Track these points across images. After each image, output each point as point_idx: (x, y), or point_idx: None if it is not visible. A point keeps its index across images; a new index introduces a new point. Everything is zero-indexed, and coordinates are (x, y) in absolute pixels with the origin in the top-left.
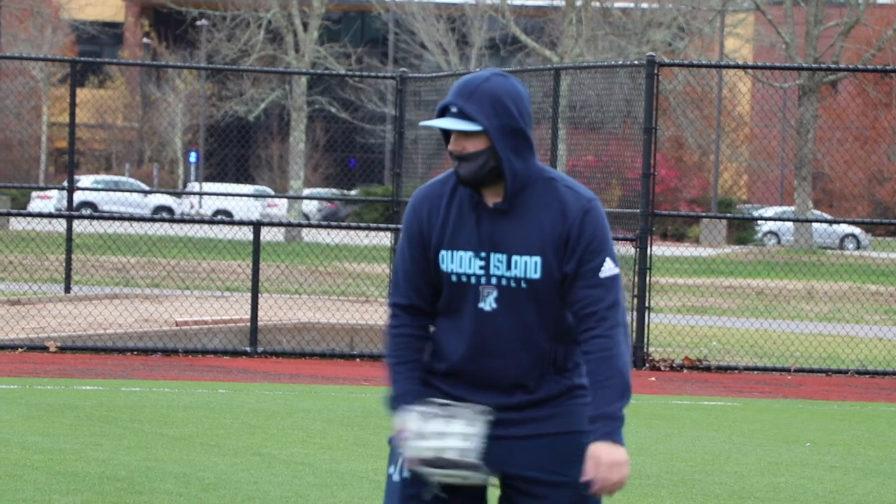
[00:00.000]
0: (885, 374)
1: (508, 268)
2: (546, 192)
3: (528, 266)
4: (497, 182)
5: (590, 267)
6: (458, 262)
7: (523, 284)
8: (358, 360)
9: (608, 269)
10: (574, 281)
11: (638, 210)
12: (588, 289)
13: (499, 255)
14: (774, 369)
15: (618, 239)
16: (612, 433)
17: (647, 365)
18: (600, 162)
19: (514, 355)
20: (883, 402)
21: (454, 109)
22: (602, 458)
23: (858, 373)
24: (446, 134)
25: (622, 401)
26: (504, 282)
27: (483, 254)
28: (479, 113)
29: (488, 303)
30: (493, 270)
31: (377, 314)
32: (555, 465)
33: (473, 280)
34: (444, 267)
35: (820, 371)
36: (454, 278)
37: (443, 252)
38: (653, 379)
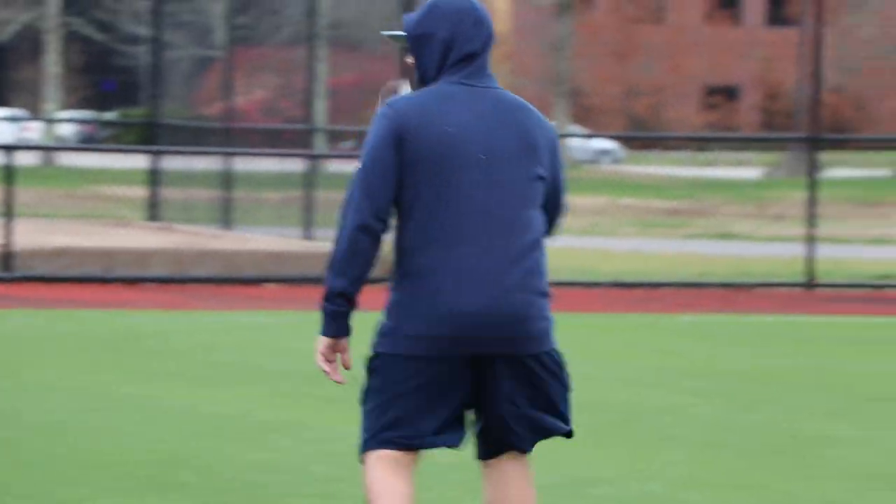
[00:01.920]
0: (638, 285)
1: None
2: None
3: None
4: None
5: None
6: None
7: None
8: (115, 283)
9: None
10: None
11: None
12: None
13: None
14: None
15: None
16: None
17: None
18: (361, 80)
19: None
20: (636, 313)
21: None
22: None
23: (614, 285)
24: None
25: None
26: None
27: None
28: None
29: None
30: None
31: (135, 237)
32: None
33: None
34: None
35: (576, 284)
36: None
37: None
38: None
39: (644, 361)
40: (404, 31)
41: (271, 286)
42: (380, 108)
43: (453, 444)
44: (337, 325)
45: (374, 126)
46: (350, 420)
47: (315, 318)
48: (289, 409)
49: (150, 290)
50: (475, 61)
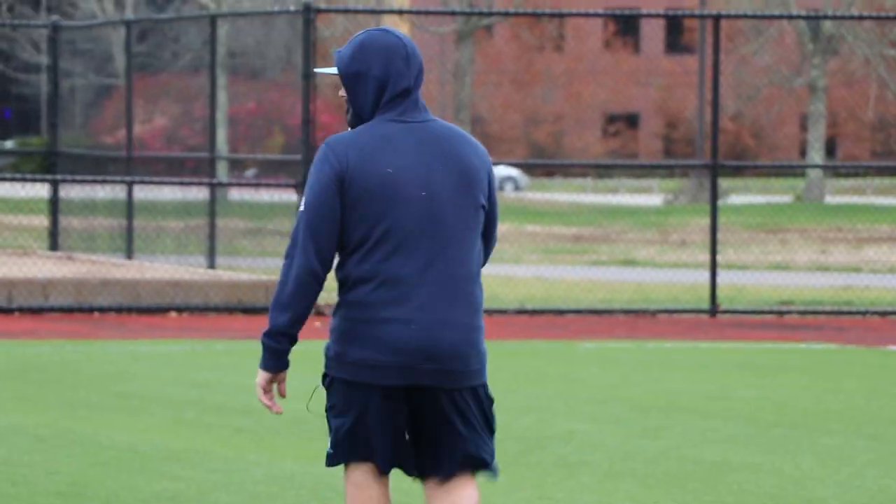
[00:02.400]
0: (542, 312)
1: None
2: None
3: None
4: None
5: None
6: None
7: None
8: (15, 313)
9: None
10: None
11: (299, 156)
12: None
13: None
14: None
15: (280, 186)
16: None
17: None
18: (262, 109)
19: None
20: (541, 340)
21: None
22: None
23: (518, 312)
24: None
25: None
26: None
27: None
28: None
29: None
30: None
31: (36, 266)
32: None
33: None
34: None
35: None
36: None
37: None
38: (318, 324)
39: (548, 388)
40: (337, 67)
41: (174, 315)
42: (320, 149)
43: (409, 470)
44: (277, 361)
45: (315, 168)
46: (257, 449)
47: (216, 347)
48: (193, 439)
49: (52, 319)
50: (409, 97)
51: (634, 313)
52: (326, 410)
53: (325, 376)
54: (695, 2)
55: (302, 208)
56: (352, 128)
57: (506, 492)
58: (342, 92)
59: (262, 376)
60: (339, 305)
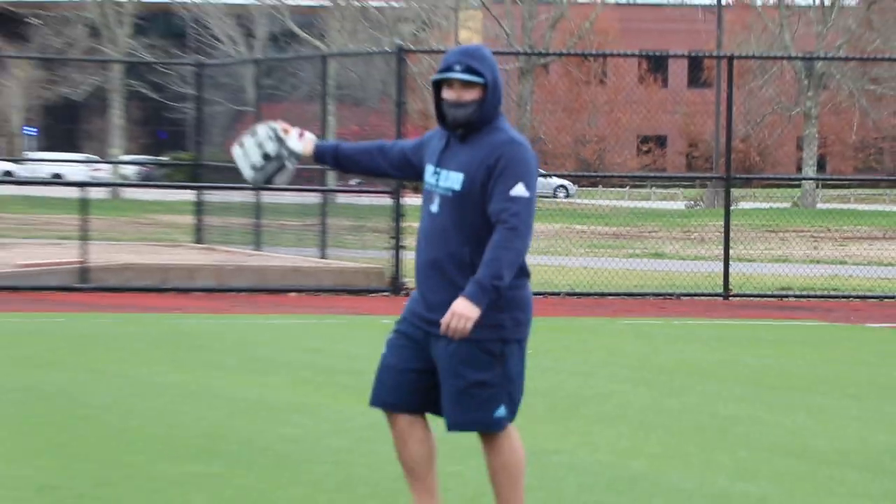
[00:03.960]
0: (589, 294)
1: (445, 180)
2: (490, 134)
3: (454, 180)
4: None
5: (503, 188)
6: (426, 172)
7: (450, 193)
8: (169, 293)
9: (519, 191)
10: (492, 197)
11: None
12: (500, 202)
13: (443, 171)
14: None
15: (377, 192)
16: (473, 295)
17: (403, 292)
18: (363, 131)
19: (441, 250)
20: (587, 317)
21: (459, 67)
22: (455, 308)
23: (568, 294)
24: (438, 87)
25: (494, 279)
26: (441, 190)
27: (437, 168)
28: (486, 70)
29: (436, 204)
30: (439, 182)
31: (185, 255)
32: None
33: (429, 187)
34: (423, 176)
35: (538, 294)
36: (425, 185)
37: (425, 165)
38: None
39: (592, 356)
40: (487, 75)
41: (293, 295)
42: (528, 147)
43: None
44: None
45: (533, 164)
46: (359, 402)
47: (326, 321)
48: (308, 394)
49: (197, 298)
50: None
51: (662, 296)
52: (516, 375)
53: (513, 342)
54: (712, 45)
55: (528, 195)
56: (475, 124)
57: (557, 438)
58: (466, 96)
59: (476, 312)
60: (516, 278)
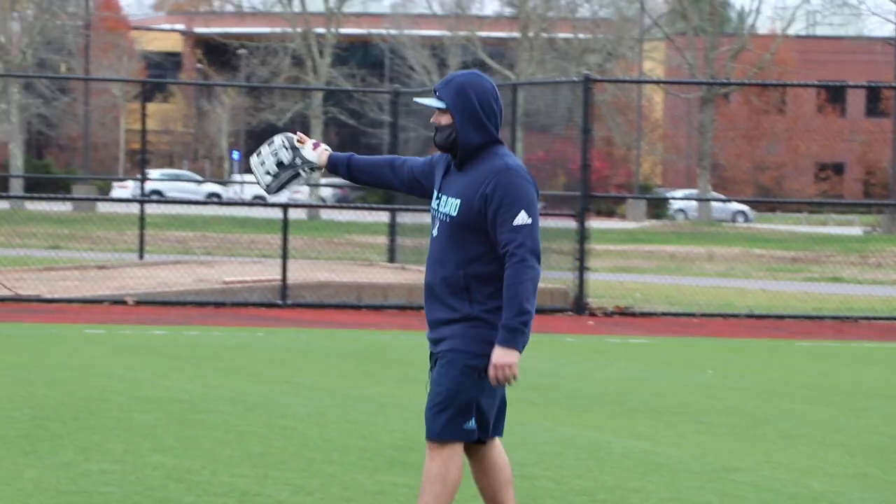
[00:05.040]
0: (767, 316)
1: (444, 206)
2: (487, 160)
3: (452, 206)
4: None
5: (506, 217)
6: (432, 196)
7: (447, 219)
8: (363, 310)
9: (521, 219)
10: (496, 227)
11: (578, 193)
12: (505, 233)
13: (444, 196)
14: (683, 314)
15: (562, 215)
16: (506, 340)
17: (587, 312)
18: (549, 156)
19: (439, 273)
20: (766, 339)
21: (436, 93)
22: (494, 361)
23: (748, 316)
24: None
25: (518, 317)
26: (441, 216)
27: (439, 193)
28: (447, 96)
29: (436, 229)
30: (440, 207)
31: (378, 274)
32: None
33: (433, 212)
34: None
35: (718, 315)
36: (431, 210)
37: (433, 188)
38: (591, 323)
39: (771, 376)
40: (446, 100)
41: None
42: (523, 173)
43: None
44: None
45: (530, 189)
46: (543, 417)
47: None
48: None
49: (390, 315)
50: None
51: (840, 319)
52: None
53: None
54: (890, 76)
55: (529, 221)
56: (462, 149)
57: (739, 456)
58: (441, 120)
59: (514, 355)
60: (494, 296)
